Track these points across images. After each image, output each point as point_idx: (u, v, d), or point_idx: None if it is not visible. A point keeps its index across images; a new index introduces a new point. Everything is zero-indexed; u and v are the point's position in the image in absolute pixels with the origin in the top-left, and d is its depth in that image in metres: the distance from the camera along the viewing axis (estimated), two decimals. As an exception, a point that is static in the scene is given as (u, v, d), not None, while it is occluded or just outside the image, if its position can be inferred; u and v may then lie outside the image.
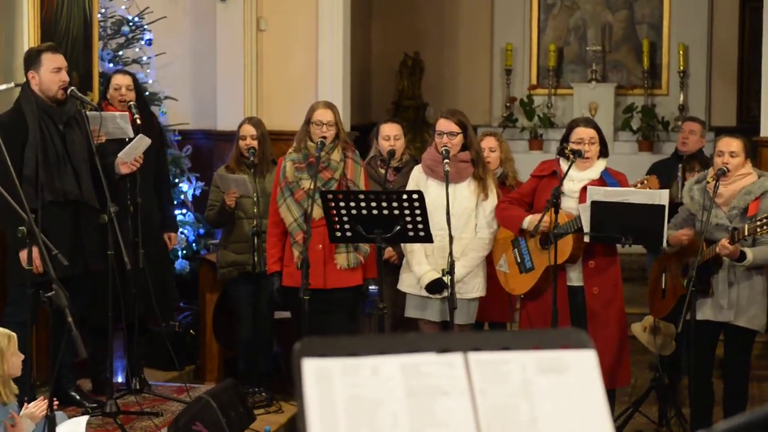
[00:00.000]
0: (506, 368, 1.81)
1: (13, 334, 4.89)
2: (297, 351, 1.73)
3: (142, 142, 6.77)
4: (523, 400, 1.80)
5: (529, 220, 6.36)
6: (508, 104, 13.41)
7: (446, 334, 1.79)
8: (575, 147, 6.36)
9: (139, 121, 6.96)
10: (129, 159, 6.73)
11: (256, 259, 7.28)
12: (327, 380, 1.74)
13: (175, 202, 8.50)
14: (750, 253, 6.15)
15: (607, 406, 1.82)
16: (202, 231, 9.14)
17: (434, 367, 1.77)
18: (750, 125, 10.34)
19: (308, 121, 6.86)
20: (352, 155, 6.92)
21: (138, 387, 7.12)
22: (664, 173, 7.64)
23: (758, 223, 6.03)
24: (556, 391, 1.81)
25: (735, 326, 6.38)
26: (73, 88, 6.49)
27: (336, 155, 6.83)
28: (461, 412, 1.76)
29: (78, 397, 6.76)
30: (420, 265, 6.53)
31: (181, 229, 8.50)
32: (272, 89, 9.69)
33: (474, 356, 1.79)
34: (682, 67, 12.99)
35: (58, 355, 5.49)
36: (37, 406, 4.80)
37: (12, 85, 5.92)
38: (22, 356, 4.97)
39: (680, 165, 8.00)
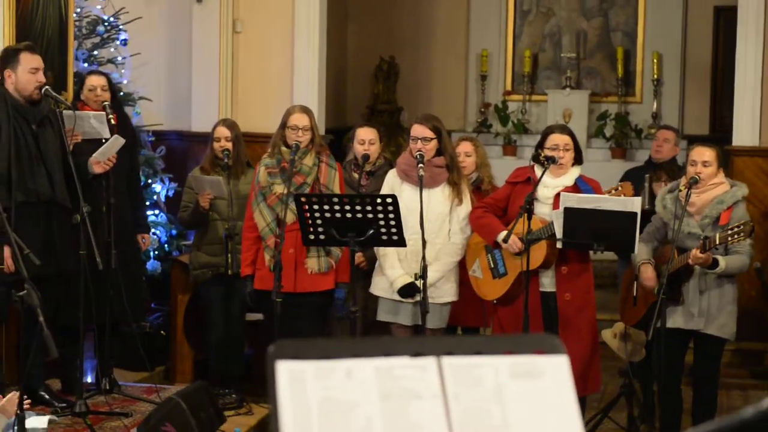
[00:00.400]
0: (479, 372, 1.82)
1: None
2: (271, 353, 1.73)
3: (117, 142, 6.75)
4: (496, 404, 1.81)
5: (503, 235, 6.37)
6: (482, 110, 13.44)
7: (420, 338, 1.80)
8: (550, 153, 6.39)
9: (113, 122, 6.95)
10: (103, 159, 6.72)
11: (229, 260, 7.27)
12: (301, 382, 1.74)
13: (148, 203, 8.48)
14: (722, 261, 6.19)
15: (579, 412, 1.83)
16: (174, 232, 9.12)
17: (408, 370, 1.78)
18: (723, 134, 10.42)
19: (284, 125, 6.87)
20: (326, 159, 6.93)
21: (108, 387, 7.09)
22: (637, 181, 7.67)
23: (729, 232, 6.07)
24: (529, 396, 1.82)
25: (705, 334, 6.41)
26: (47, 87, 6.47)
27: (308, 160, 6.84)
28: (434, 415, 1.76)
29: (47, 396, 6.73)
30: (393, 269, 6.54)
31: (153, 230, 8.48)
32: (247, 91, 9.68)
33: (447, 360, 1.80)
34: (655, 76, 13.06)
35: (29, 354, 5.46)
36: (10, 401, 4.77)
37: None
38: None
39: (647, 175, 8.04)
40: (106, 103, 7.09)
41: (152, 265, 8.76)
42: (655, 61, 13.04)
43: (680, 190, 6.40)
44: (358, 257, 6.84)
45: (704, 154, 6.40)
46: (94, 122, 6.85)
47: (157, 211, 8.98)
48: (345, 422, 1.71)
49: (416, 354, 1.78)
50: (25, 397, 5.02)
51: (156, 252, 8.85)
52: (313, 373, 1.74)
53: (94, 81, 7.29)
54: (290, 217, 6.57)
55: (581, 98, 13.10)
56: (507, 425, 1.79)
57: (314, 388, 1.73)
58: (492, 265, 6.59)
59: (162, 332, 8.20)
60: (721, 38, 12.82)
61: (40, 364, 6.69)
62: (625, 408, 6.99)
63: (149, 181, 8.91)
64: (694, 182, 6.30)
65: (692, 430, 1.55)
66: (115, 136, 6.78)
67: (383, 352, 1.77)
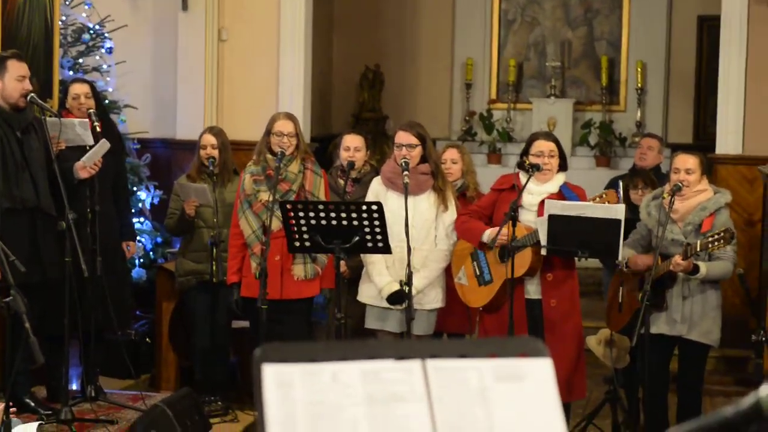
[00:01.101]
0: (463, 375, 1.83)
1: None
2: (257, 356, 1.74)
3: (103, 146, 6.75)
4: (480, 406, 1.82)
5: (489, 233, 6.39)
6: (467, 118, 13.47)
7: (405, 342, 1.81)
8: (534, 160, 6.41)
9: (98, 129, 6.94)
10: (89, 163, 6.71)
11: (214, 268, 7.27)
12: (287, 386, 1.75)
13: (133, 211, 8.47)
14: (703, 267, 6.22)
15: (563, 415, 1.84)
16: (159, 239, 9.12)
17: (393, 373, 1.79)
18: (706, 143, 10.46)
19: (268, 132, 6.88)
20: (311, 166, 6.93)
21: (93, 394, 7.07)
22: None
23: (710, 239, 6.09)
24: (513, 399, 1.84)
25: (688, 340, 6.44)
26: (33, 94, 6.47)
27: (294, 167, 6.84)
28: (419, 418, 1.78)
29: (33, 404, 6.70)
30: (381, 276, 6.55)
31: (138, 238, 8.47)
32: (233, 99, 9.69)
33: (432, 363, 1.81)
34: (639, 84, 13.11)
35: (15, 361, 5.45)
36: None
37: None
38: None
39: (620, 181, 8.05)
40: (91, 110, 7.08)
41: (137, 273, 8.75)
42: (639, 70, 13.09)
43: (664, 197, 6.43)
44: (342, 265, 6.85)
45: (687, 161, 6.43)
46: (79, 129, 6.84)
47: (142, 219, 8.97)
48: (331, 425, 1.72)
49: (401, 357, 1.79)
50: (12, 405, 5.00)
51: (141, 260, 8.84)
52: (299, 376, 1.75)
53: (78, 89, 7.28)
54: (276, 225, 6.57)
55: (566, 107, 13.13)
56: (491, 427, 1.80)
57: (300, 391, 1.74)
58: (477, 273, 6.60)
59: (147, 339, 8.19)
60: (704, 47, 12.88)
61: (25, 371, 6.67)
62: (610, 415, 7.01)
63: (134, 188, 8.90)
64: (677, 189, 6.32)
65: (674, 429, 1.57)
66: (102, 140, 6.77)
67: (369, 355, 1.78)
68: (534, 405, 1.85)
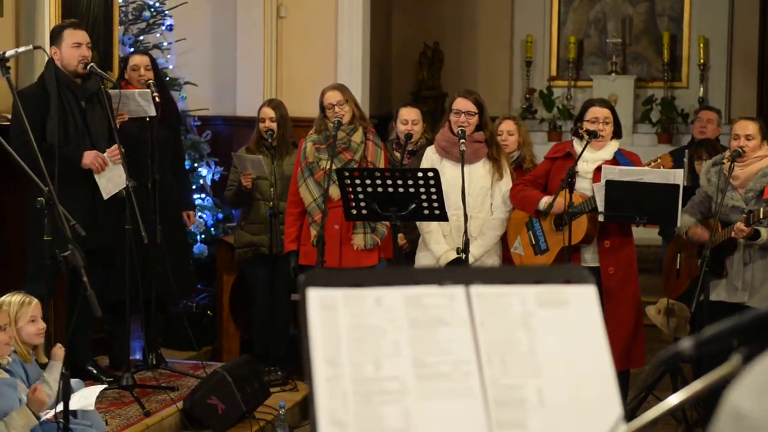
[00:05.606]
0: (507, 301, 1.84)
1: (31, 300, 4.96)
2: (302, 281, 1.77)
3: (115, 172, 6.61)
4: (523, 331, 1.83)
5: (545, 201, 6.37)
6: (527, 95, 13.41)
7: (448, 268, 1.82)
8: (590, 127, 6.38)
9: (158, 99, 6.99)
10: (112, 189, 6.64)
11: (272, 240, 7.31)
12: (331, 309, 1.78)
13: (194, 187, 8.55)
14: (764, 232, 6.14)
15: (606, 340, 1.85)
16: (220, 216, 9.19)
17: (436, 298, 1.81)
18: (769, 118, 10.33)
19: (322, 107, 6.95)
20: (372, 138, 6.99)
21: (154, 362, 7.16)
22: (678, 161, 7.64)
23: (772, 204, 6.03)
24: (556, 324, 1.84)
25: (749, 308, 6.37)
26: (92, 64, 6.54)
27: (357, 137, 6.89)
28: (462, 342, 1.79)
29: (95, 371, 6.80)
30: (438, 245, 6.55)
31: (199, 214, 8.54)
32: (292, 76, 9.74)
33: (475, 289, 1.82)
34: (702, 60, 12.96)
35: (74, 315, 5.52)
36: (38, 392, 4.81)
37: (30, 47, 5.96)
38: (42, 325, 5.04)
39: (686, 151, 7.97)
40: (150, 81, 7.13)
41: (199, 248, 8.82)
42: (701, 45, 12.94)
43: (723, 163, 6.36)
44: (400, 238, 6.87)
45: (747, 127, 6.35)
46: (140, 99, 6.90)
47: (203, 195, 9.05)
48: (374, 347, 1.75)
49: (444, 283, 1.81)
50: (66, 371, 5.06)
51: (202, 235, 8.92)
52: (343, 300, 1.78)
53: (137, 60, 7.34)
54: (336, 193, 6.59)
55: (627, 84, 13.03)
56: (534, 352, 1.81)
57: (344, 315, 1.77)
58: (533, 242, 6.59)
59: (208, 312, 8.26)
60: (768, 22, 12.72)
61: (87, 339, 6.77)
62: (671, 386, 6.95)
63: (195, 165, 8.98)
64: (737, 155, 6.25)
65: (711, 328, 1.57)
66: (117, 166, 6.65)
67: (412, 281, 1.80)
68: (577, 330, 1.86)
